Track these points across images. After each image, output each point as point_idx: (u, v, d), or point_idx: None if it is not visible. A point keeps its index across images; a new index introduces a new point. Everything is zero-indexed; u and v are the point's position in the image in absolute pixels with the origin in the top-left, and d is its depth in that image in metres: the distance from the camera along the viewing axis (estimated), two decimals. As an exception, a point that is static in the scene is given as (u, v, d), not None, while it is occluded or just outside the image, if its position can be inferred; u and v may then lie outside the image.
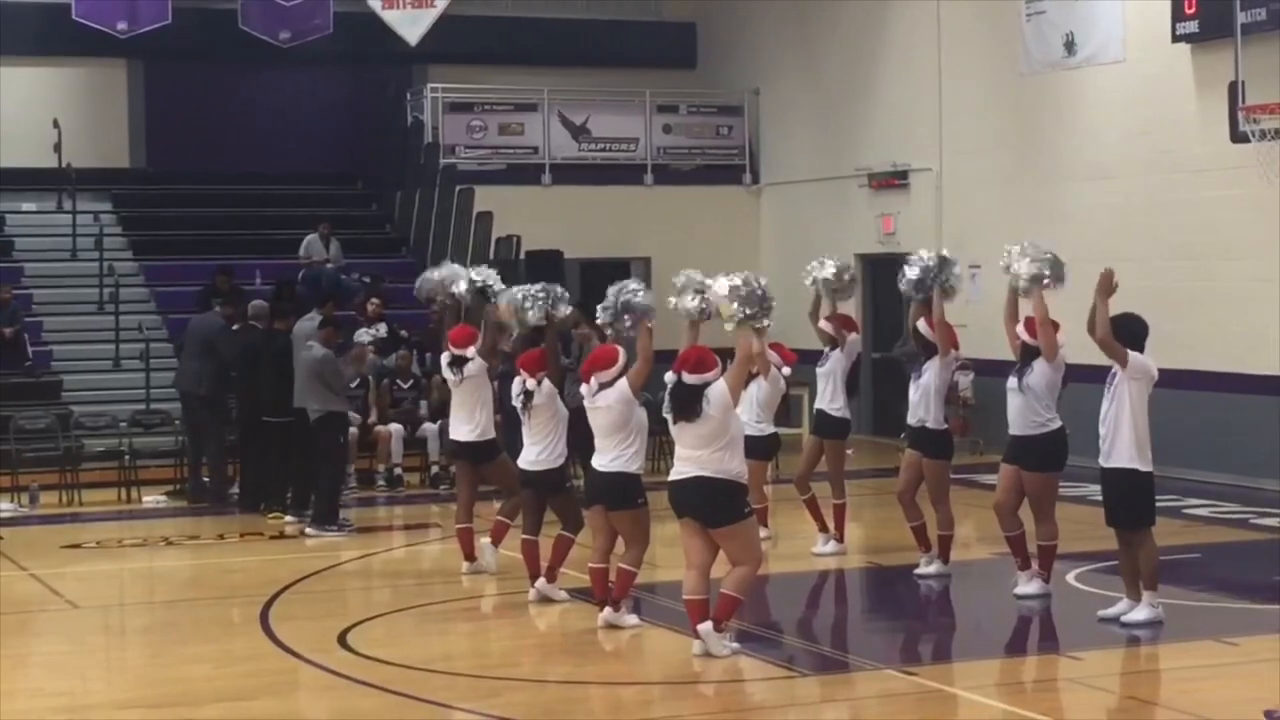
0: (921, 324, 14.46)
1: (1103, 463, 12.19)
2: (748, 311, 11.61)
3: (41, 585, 15.22)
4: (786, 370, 15.74)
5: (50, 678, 11.97)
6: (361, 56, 27.76)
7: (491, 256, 24.91)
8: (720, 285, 11.71)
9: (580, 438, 13.55)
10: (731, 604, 11.60)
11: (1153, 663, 11.98)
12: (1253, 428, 19.59)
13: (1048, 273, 13.03)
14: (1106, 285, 12.11)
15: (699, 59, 29.93)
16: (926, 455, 14.41)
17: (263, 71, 28.35)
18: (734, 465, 11.50)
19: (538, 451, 13.53)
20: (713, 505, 11.51)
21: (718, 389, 11.50)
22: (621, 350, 12.42)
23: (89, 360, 23.86)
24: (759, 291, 11.69)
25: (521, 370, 13.58)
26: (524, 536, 13.88)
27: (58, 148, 26.39)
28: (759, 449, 15.32)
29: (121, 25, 25.70)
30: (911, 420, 14.53)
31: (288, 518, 18.05)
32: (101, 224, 26.37)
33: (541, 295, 13.84)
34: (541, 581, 13.71)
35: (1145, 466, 12.17)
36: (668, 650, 11.97)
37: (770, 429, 15.77)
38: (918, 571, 14.63)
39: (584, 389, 12.41)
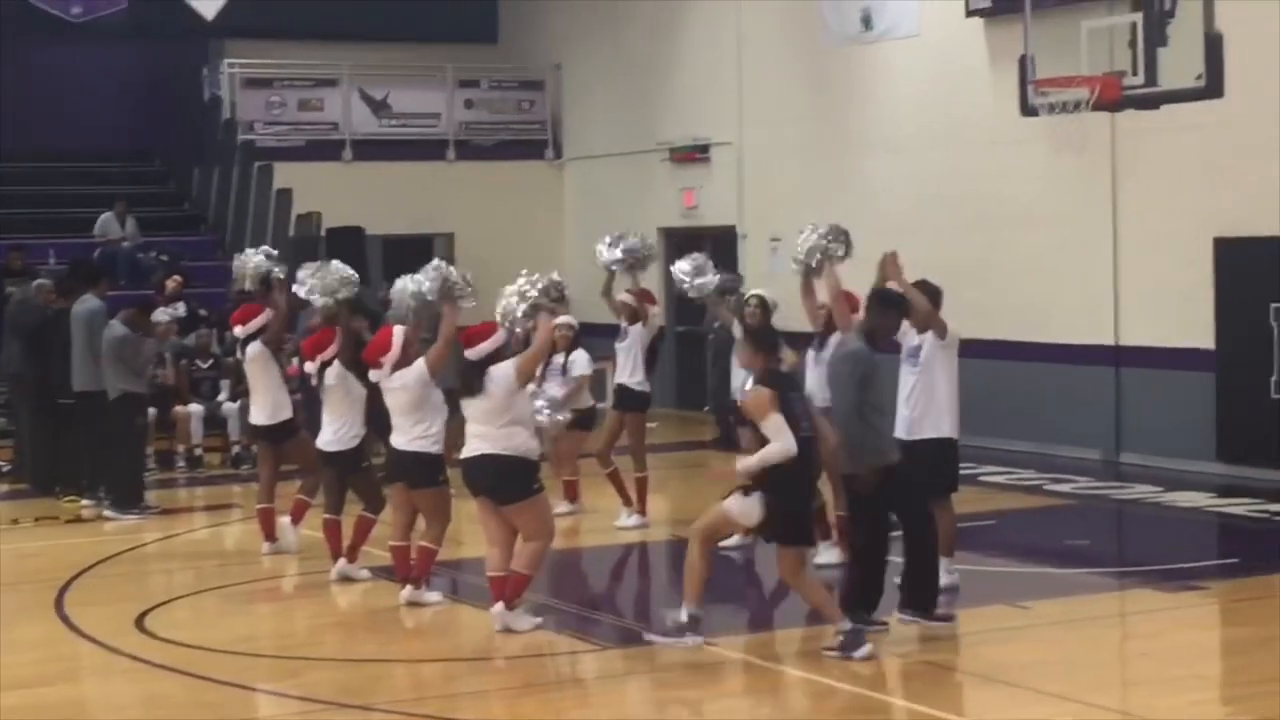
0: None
1: (907, 435, 12.19)
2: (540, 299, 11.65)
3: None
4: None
5: None
6: (157, 31, 27.32)
7: (291, 234, 24.70)
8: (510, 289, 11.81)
9: (381, 416, 13.47)
10: (521, 581, 11.63)
11: (948, 627, 12.18)
12: (1047, 395, 19.99)
13: (830, 241, 13.02)
14: (894, 268, 12.18)
15: (500, 33, 29.86)
16: None
17: (55, 45, 27.75)
18: (520, 442, 11.51)
19: (334, 431, 13.46)
20: (500, 482, 11.53)
21: (503, 368, 11.52)
22: (398, 331, 12.35)
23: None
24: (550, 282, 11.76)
25: (306, 354, 13.51)
26: (325, 516, 13.80)
27: None
28: (576, 422, 15.35)
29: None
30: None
31: (84, 501, 17.75)
32: (-112, 201, 25.74)
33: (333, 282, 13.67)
34: (342, 561, 13.64)
35: (956, 434, 12.33)
36: (471, 626, 11.97)
37: (589, 402, 15.87)
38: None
39: (376, 373, 12.36)
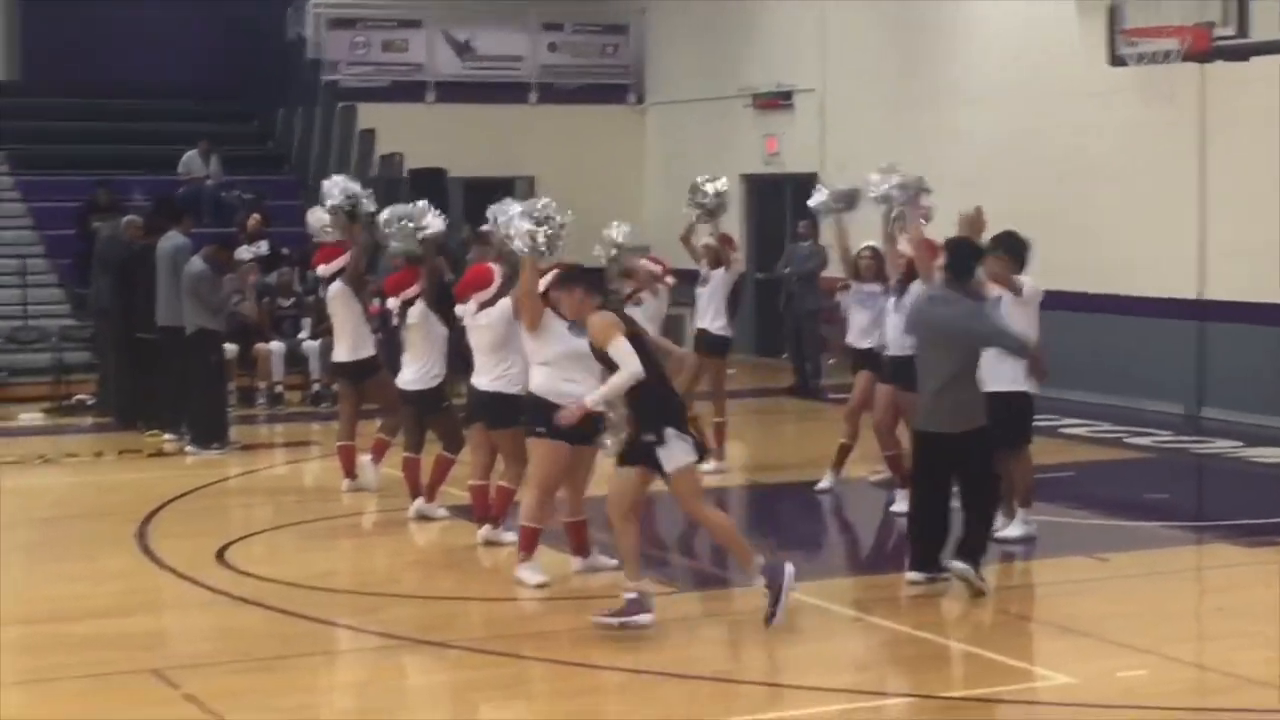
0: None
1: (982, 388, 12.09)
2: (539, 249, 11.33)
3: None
4: (671, 280, 15.77)
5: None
6: (244, -30, 27.43)
7: (374, 174, 24.79)
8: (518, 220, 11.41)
9: (461, 356, 13.52)
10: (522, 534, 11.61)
11: (1026, 578, 12.16)
12: (1129, 348, 19.85)
13: (914, 188, 12.99)
14: (976, 225, 12.11)
15: (585, -24, 29.80)
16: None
17: (142, -15, 27.91)
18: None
19: (414, 371, 13.52)
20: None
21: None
22: (498, 269, 12.36)
23: (-37, 276, 23.52)
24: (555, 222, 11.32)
25: (387, 292, 13.56)
26: (405, 454, 13.87)
27: (-70, 59, 25.96)
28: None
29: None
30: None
31: (167, 435, 17.91)
32: (-25, 137, 25.97)
33: (407, 221, 13.63)
34: (421, 499, 13.71)
35: (1028, 387, 12.25)
36: (547, 566, 12.00)
37: None
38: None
39: (462, 308, 12.37)
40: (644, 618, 10.30)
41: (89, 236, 22.67)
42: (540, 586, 11.35)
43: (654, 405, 10.30)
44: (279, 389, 20.84)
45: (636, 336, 10.39)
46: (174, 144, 25.76)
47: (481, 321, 12.21)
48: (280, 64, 28.07)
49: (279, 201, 24.83)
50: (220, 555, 12.48)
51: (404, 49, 27.62)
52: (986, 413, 11.25)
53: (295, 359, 21.11)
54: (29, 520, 14.73)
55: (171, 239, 17.74)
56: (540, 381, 11.29)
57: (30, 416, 20.05)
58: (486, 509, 12.71)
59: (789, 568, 10.39)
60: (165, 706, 8.97)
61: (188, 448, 17.34)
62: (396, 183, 24.18)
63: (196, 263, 17.16)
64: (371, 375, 14.84)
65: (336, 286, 14.75)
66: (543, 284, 11.28)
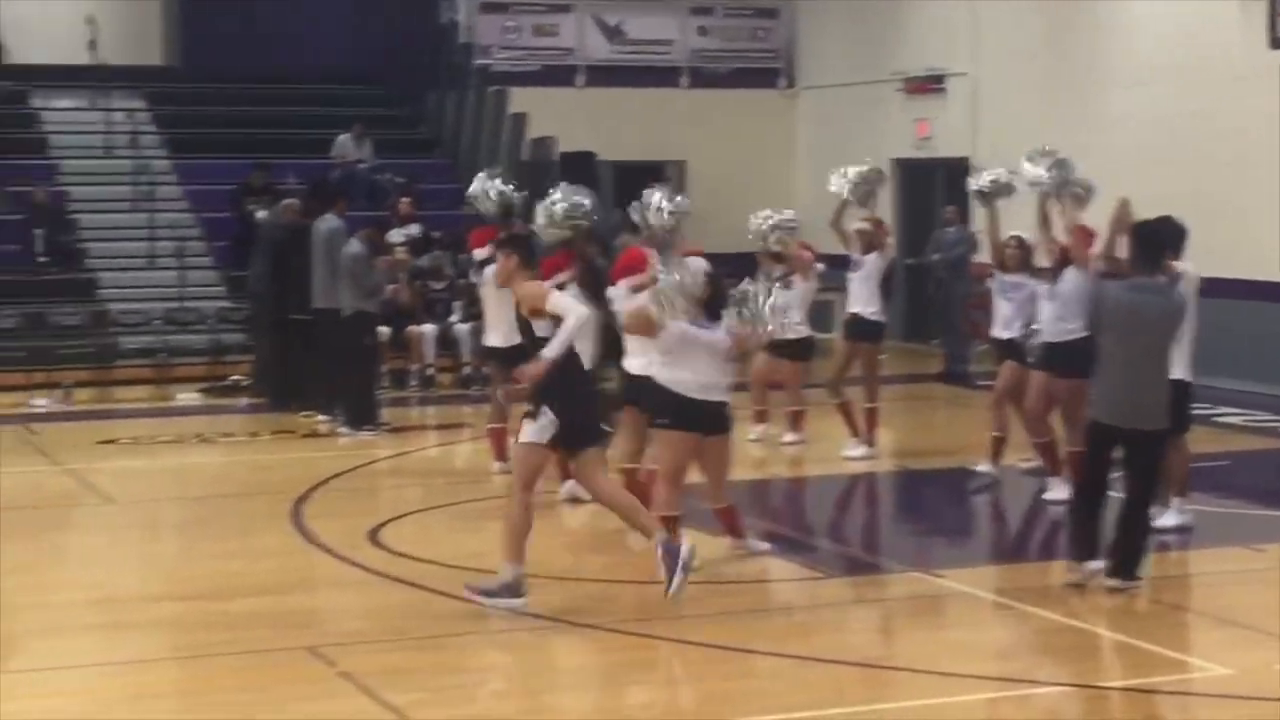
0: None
1: None
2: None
3: (77, 480, 15.35)
4: (820, 266, 15.72)
5: (85, 571, 12.12)
6: (397, -45, 27.67)
7: (524, 158, 24.92)
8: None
9: (612, 342, 13.56)
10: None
11: (1181, 568, 12.02)
12: (1286, 337, 19.56)
13: (1068, 173, 12.92)
14: (1123, 220, 11.94)
15: (736, -40, 29.75)
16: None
17: (296, -31, 28.24)
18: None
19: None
20: None
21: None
22: (654, 254, 12.40)
23: (124, 258, 23.93)
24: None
25: (544, 275, 13.57)
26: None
27: (92, 45, 26.38)
28: (795, 351, 15.44)
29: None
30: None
31: (320, 416, 18.11)
32: (135, 122, 26.36)
33: (566, 209, 13.71)
34: (572, 482, 13.75)
35: (1188, 376, 12.09)
36: (698, 550, 12.00)
37: (806, 331, 15.85)
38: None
39: (615, 291, 12.41)
40: (514, 602, 10.38)
41: (245, 219, 23.02)
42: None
43: (548, 382, 10.39)
44: (430, 371, 21.02)
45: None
46: (328, 128, 26.03)
47: (635, 306, 12.24)
48: (432, 48, 28.26)
49: (430, 185, 25.02)
50: (373, 535, 12.62)
51: (555, 33, 27.71)
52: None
53: (446, 342, 21.29)
54: (186, 498, 14.99)
55: (327, 222, 17.93)
56: (661, 371, 11.35)
57: (188, 396, 20.38)
58: (638, 492, 12.71)
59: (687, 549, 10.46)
60: (321, 683, 9.10)
61: (340, 429, 17.53)
62: (547, 166, 24.28)
63: (354, 245, 17.32)
64: (524, 360, 14.88)
65: (492, 271, 14.80)
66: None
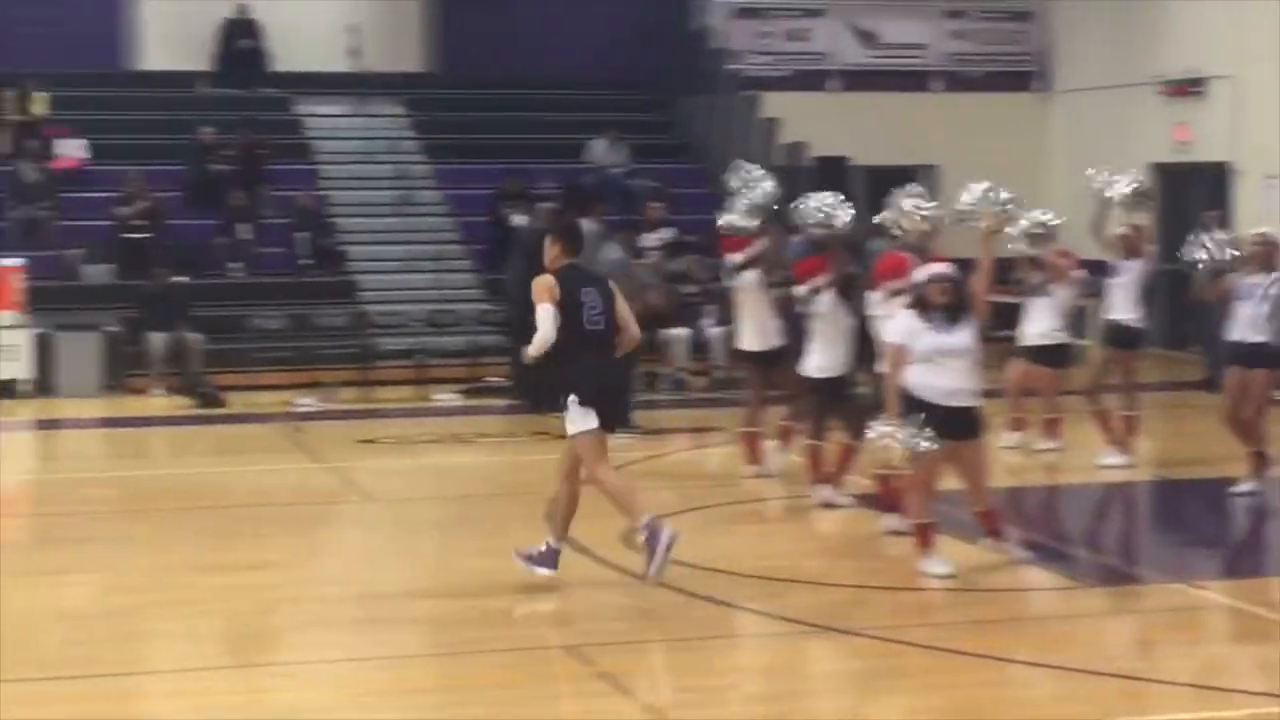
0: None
1: None
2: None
3: (339, 478, 15.72)
4: (1079, 273, 15.54)
5: (347, 566, 12.41)
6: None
7: (776, 163, 24.95)
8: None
9: (864, 346, 13.56)
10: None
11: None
12: None
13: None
14: None
15: (991, -37, 29.49)
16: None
17: (552, -24, 28.59)
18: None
19: (821, 359, 13.59)
20: None
21: None
22: (912, 259, 12.38)
23: (384, 261, 24.44)
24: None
25: (800, 278, 13.66)
26: (808, 441, 13.96)
27: (354, 51, 26.96)
28: (1052, 358, 15.31)
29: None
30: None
31: (573, 418, 18.28)
32: (395, 127, 26.90)
33: (827, 208, 13.80)
34: (825, 487, 13.79)
35: None
36: (951, 556, 11.96)
37: (1064, 338, 15.69)
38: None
39: (874, 297, 12.41)
40: (547, 571, 11.12)
41: (501, 223, 23.37)
42: (945, 578, 11.32)
43: (567, 374, 11.03)
44: (682, 375, 21.15)
45: (578, 305, 10.97)
46: (582, 133, 26.33)
47: (892, 311, 12.22)
48: (685, 53, 28.42)
49: (682, 189, 25.18)
50: (628, 537, 12.71)
51: (808, 38, 27.72)
52: None
53: (699, 345, 21.40)
54: (445, 497, 15.28)
55: (583, 226, 18.10)
56: (910, 378, 11.32)
57: (446, 397, 20.74)
58: (892, 498, 12.72)
59: (668, 531, 10.95)
60: (580, 683, 9.23)
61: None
62: (799, 171, 24.30)
63: (613, 249, 17.51)
64: (778, 364, 14.98)
65: (748, 275, 14.90)
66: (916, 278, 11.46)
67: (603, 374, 11.15)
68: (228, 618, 10.82)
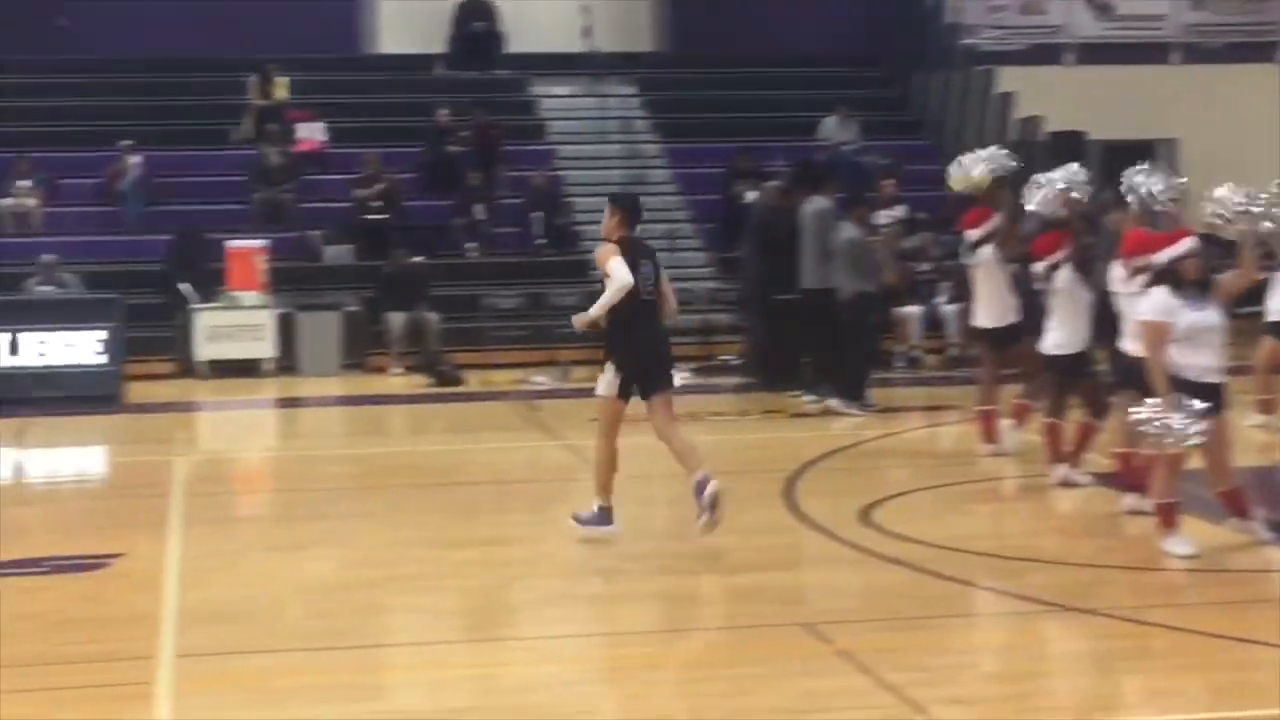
0: None
1: None
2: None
3: (574, 455, 15.84)
4: None
5: (584, 542, 12.46)
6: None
7: (1011, 138, 24.64)
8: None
9: (1104, 322, 13.35)
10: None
11: None
12: None
13: None
14: None
15: (1233, -72, 28.84)
16: None
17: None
18: None
19: (1059, 336, 13.41)
20: None
21: None
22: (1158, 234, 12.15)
23: (616, 240, 24.52)
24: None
25: (1037, 255, 13.48)
26: (1046, 419, 13.79)
27: (587, 32, 27.13)
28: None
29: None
30: None
31: (806, 396, 18.28)
32: (628, 107, 27.03)
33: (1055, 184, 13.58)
34: (1064, 465, 13.61)
35: None
36: (1194, 536, 11.74)
37: None
38: None
39: (1123, 271, 12.20)
40: (604, 529, 11.81)
41: (733, 202, 23.38)
42: (1189, 558, 11.10)
43: (614, 340, 11.69)
44: (917, 352, 21.01)
45: (637, 274, 11.44)
46: (813, 111, 26.23)
47: (1135, 288, 12.01)
48: (918, 29, 28.19)
49: (915, 166, 24.99)
50: (863, 515, 12.69)
51: (1043, 11, 27.38)
52: None
53: (933, 322, 21.24)
54: (679, 474, 15.24)
55: (815, 204, 18.09)
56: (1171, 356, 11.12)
57: (679, 376, 20.74)
58: (1133, 478, 12.51)
59: (711, 484, 11.55)
60: (818, 660, 9.19)
61: (831, 403, 17.60)
62: (1034, 146, 24.00)
63: (849, 227, 17.42)
64: (1015, 341, 14.81)
65: (985, 251, 14.76)
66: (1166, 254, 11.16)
67: (649, 344, 11.84)
68: (466, 592, 10.97)
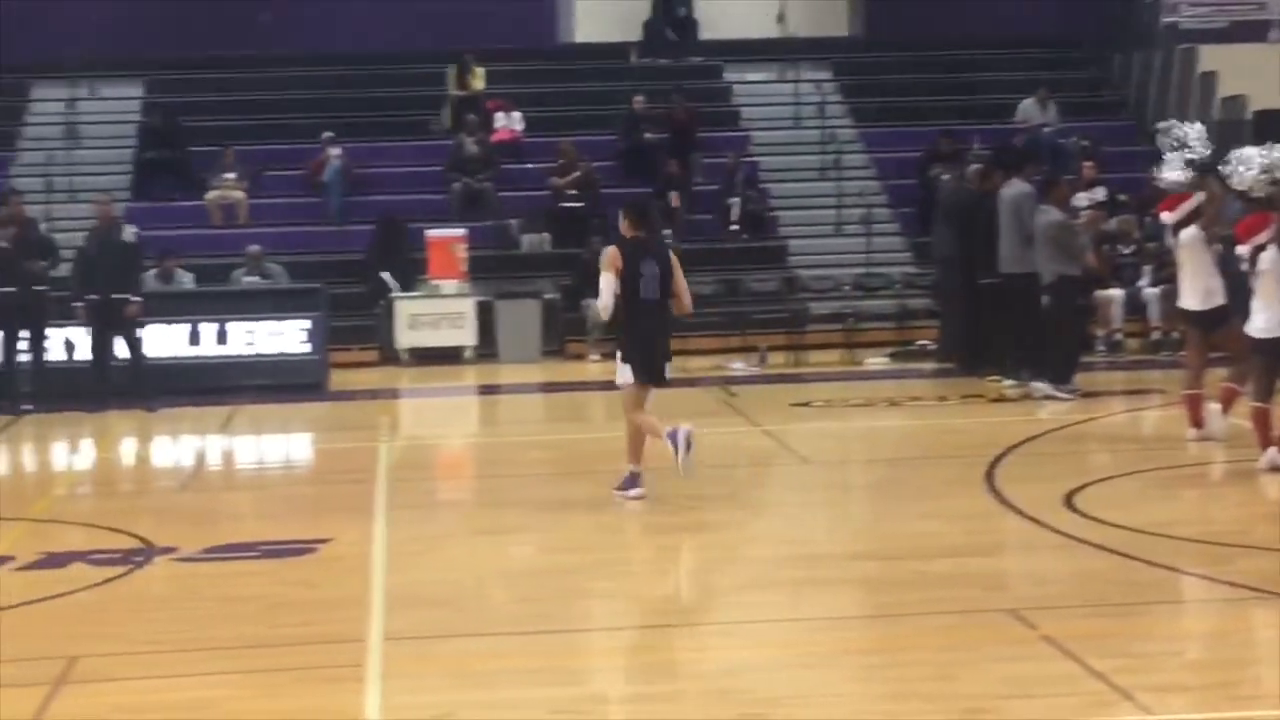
0: None
1: None
2: None
3: (773, 440, 15.87)
4: None
5: (787, 527, 12.51)
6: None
7: (1215, 117, 24.24)
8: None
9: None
10: None
11: None
12: None
13: None
14: None
15: None
16: None
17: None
18: None
19: (1265, 319, 13.19)
20: None
21: None
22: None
23: (812, 225, 24.56)
24: None
25: (1240, 237, 13.25)
26: (1253, 404, 13.56)
27: (781, 18, 27.11)
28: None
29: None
30: None
31: (1006, 381, 18.13)
32: (823, 92, 26.96)
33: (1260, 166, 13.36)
34: (1273, 450, 13.37)
35: None
36: None
37: None
38: None
39: None
40: (632, 493, 12.69)
41: (929, 186, 23.23)
42: None
43: (619, 336, 12.70)
44: (1118, 336, 20.75)
45: (637, 275, 12.33)
46: (1011, 93, 25.99)
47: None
48: (1117, 8, 27.79)
49: (1115, 147, 24.67)
50: (1067, 500, 12.56)
51: (1248, -13, 26.84)
52: None
53: (1135, 306, 20.96)
54: (877, 460, 15.29)
55: (1014, 187, 17.93)
56: None
57: (876, 361, 20.73)
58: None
59: (683, 430, 12.42)
60: (1023, 645, 9.11)
61: (1037, 383, 17.42)
62: (1239, 125, 23.56)
63: (1053, 211, 17.22)
64: (1222, 324, 14.58)
65: (1189, 233, 14.55)
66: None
67: (650, 338, 12.57)
68: (667, 578, 11.04)
